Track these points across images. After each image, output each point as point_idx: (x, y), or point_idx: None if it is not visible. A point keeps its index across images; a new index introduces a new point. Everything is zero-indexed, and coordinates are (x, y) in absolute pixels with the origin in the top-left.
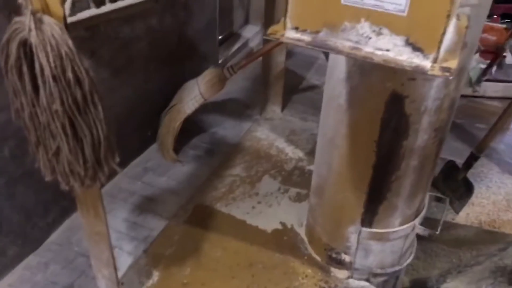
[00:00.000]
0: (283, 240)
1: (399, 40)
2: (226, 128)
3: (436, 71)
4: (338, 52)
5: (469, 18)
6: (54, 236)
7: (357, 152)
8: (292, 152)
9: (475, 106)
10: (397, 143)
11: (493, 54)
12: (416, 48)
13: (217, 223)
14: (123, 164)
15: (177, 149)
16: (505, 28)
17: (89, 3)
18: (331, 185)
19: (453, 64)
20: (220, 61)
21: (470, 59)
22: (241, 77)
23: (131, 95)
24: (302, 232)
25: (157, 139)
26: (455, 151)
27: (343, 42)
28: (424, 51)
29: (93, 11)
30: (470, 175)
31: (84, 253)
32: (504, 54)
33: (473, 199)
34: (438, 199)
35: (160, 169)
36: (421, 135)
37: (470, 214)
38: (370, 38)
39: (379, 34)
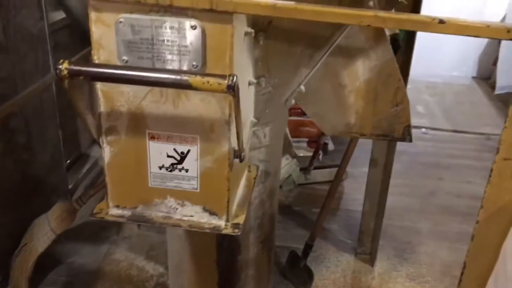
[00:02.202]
0: None
1: (198, 208)
2: (84, 256)
3: (228, 229)
4: (153, 223)
5: (258, 168)
6: None
7: (202, 273)
8: (153, 269)
9: (309, 193)
10: (233, 259)
11: (317, 143)
12: (212, 213)
13: None
14: None
15: None
16: None
17: None
18: None
19: (241, 219)
20: (70, 186)
21: (277, 181)
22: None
23: None
24: None
25: (10, 284)
26: (298, 238)
27: (157, 214)
28: (218, 214)
29: None
30: (313, 258)
31: None
32: (326, 141)
33: (317, 281)
34: None
35: None
36: (251, 249)
37: None
38: (177, 208)
39: (183, 205)
